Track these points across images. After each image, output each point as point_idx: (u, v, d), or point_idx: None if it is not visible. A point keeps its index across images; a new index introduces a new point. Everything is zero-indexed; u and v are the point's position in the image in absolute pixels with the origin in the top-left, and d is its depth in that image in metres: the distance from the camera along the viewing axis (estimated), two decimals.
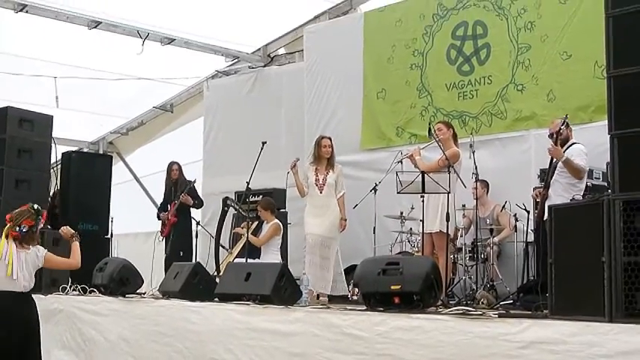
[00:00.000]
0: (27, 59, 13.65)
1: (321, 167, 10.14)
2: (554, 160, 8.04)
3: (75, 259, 7.73)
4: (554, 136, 8.20)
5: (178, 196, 12.28)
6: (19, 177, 11.48)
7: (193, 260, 11.40)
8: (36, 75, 13.82)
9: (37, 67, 13.82)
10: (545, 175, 8.20)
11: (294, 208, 11.03)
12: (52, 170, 12.51)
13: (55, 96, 13.86)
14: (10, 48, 13.13)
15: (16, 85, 13.82)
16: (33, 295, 7.50)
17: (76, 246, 7.76)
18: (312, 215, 10.09)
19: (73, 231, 7.90)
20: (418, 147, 9.71)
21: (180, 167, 12.72)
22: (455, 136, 9.48)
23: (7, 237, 7.06)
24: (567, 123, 8.14)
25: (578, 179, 8.00)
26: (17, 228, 7.08)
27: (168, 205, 12.52)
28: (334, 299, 9.69)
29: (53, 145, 12.21)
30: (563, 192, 7.85)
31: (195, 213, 12.80)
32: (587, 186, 8.14)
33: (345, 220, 10.17)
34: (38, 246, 7.35)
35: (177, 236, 12.25)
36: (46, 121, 12.11)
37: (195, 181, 12.57)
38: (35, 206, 7.25)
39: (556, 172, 8.02)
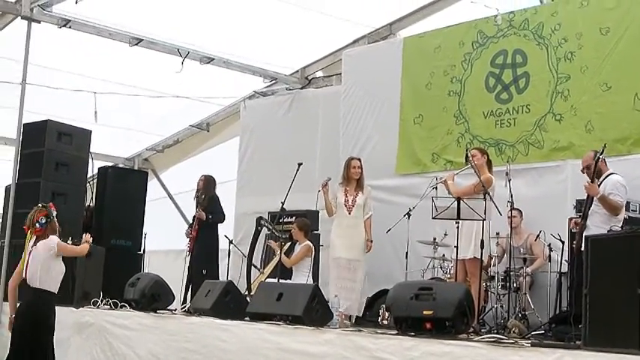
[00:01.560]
0: (68, 74, 13.80)
1: (350, 188, 10.17)
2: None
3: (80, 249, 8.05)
4: (584, 171, 8.20)
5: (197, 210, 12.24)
6: (56, 190, 11.63)
7: (219, 277, 11.40)
8: (76, 90, 13.95)
9: (77, 82, 13.95)
10: (583, 206, 8.13)
11: (327, 230, 11.01)
12: (87, 184, 12.63)
13: (94, 111, 13.98)
14: (52, 62, 13.28)
15: (57, 100, 13.96)
16: (64, 308, 7.68)
17: (76, 248, 8.11)
18: (339, 237, 10.09)
19: (87, 244, 8.21)
20: (452, 173, 9.68)
21: (206, 179, 12.43)
22: (489, 164, 9.45)
23: (30, 240, 7.28)
24: (599, 158, 8.06)
25: (614, 215, 7.93)
26: (37, 225, 7.23)
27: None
28: (363, 323, 9.67)
29: (90, 159, 12.33)
30: (602, 223, 7.78)
31: (229, 232, 12.79)
32: (624, 218, 8.06)
33: (371, 241, 10.17)
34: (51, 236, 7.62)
35: (198, 253, 12.06)
36: (85, 135, 12.27)
37: (203, 197, 12.22)
38: (39, 205, 7.53)
39: (594, 203, 7.95)
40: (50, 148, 11.78)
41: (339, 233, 10.08)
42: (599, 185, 8.01)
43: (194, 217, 12.28)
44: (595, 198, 7.93)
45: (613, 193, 7.94)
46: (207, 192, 12.24)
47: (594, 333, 5.71)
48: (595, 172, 7.97)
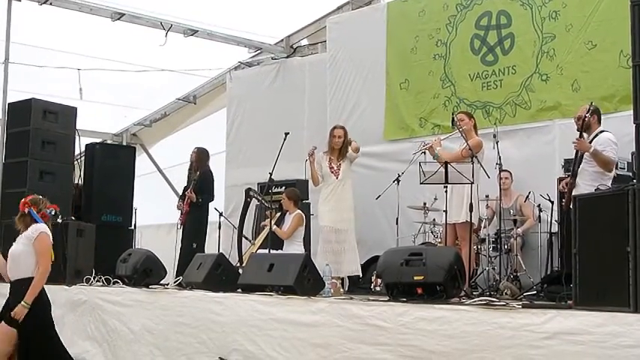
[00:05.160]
0: (51, 51, 13.73)
1: (334, 157, 10.09)
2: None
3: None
4: (580, 122, 8.11)
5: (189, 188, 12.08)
6: (44, 168, 11.58)
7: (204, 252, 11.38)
8: (60, 67, 13.87)
9: (60, 60, 13.88)
10: (572, 165, 8.09)
11: (317, 200, 11.02)
12: (75, 162, 12.57)
13: (79, 88, 13.90)
14: (34, 40, 13.21)
15: (41, 77, 13.89)
16: (57, 287, 7.54)
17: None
18: (324, 203, 9.99)
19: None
20: (438, 137, 9.64)
21: (199, 152, 12.14)
22: (475, 127, 9.41)
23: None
24: (593, 110, 8.01)
25: (607, 171, 7.89)
26: (47, 211, 7.11)
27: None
28: (356, 290, 9.69)
29: (77, 136, 12.27)
30: (592, 181, 7.70)
31: (219, 204, 12.73)
32: (613, 176, 8.03)
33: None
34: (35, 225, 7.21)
35: (189, 227, 11.98)
36: (70, 112, 12.20)
37: (195, 174, 11.96)
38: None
39: (584, 160, 7.90)
40: (36, 126, 11.70)
41: (325, 199, 9.96)
42: (590, 142, 7.95)
43: (184, 189, 12.20)
44: (586, 155, 7.88)
45: (605, 150, 7.89)
46: (200, 166, 12.03)
47: (585, 292, 5.72)
48: (583, 126, 7.92)
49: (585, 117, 7.85)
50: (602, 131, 8.09)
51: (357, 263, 10.00)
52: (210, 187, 12.22)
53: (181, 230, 11.96)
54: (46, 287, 7.21)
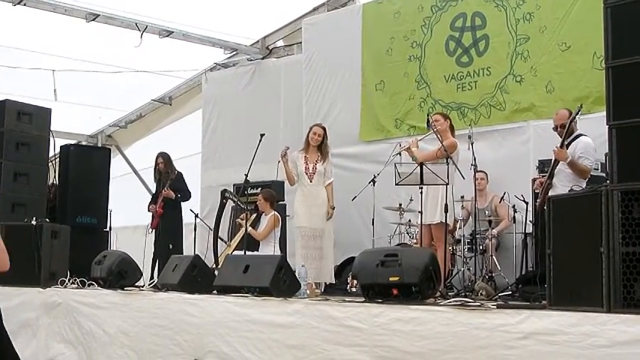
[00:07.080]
0: (25, 52, 13.63)
1: (310, 155, 10.04)
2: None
3: None
4: (558, 129, 8.15)
5: (162, 189, 12.18)
6: (18, 170, 11.48)
7: (183, 253, 11.37)
8: (34, 68, 13.78)
9: (35, 60, 13.78)
10: (550, 166, 8.13)
11: (293, 201, 11.02)
12: (50, 163, 12.49)
13: (54, 89, 13.81)
14: (8, 41, 13.11)
15: (14, 78, 13.78)
16: (31, 289, 7.45)
17: None
18: (301, 205, 9.98)
19: None
20: (415, 139, 9.65)
21: (166, 159, 12.39)
22: (452, 128, 9.42)
23: None
24: (574, 118, 8.03)
25: (583, 179, 7.93)
26: None
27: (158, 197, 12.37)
28: (332, 291, 9.68)
29: (51, 138, 12.18)
30: (569, 182, 7.76)
31: (194, 206, 12.72)
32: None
33: (333, 208, 10.01)
34: None
35: (164, 229, 12.08)
36: (44, 114, 12.10)
37: (173, 174, 12.24)
38: None
39: (560, 162, 7.96)
40: (10, 128, 11.58)
41: (301, 201, 9.97)
42: (568, 145, 8.00)
43: (154, 194, 12.23)
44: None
45: (583, 156, 7.92)
46: (171, 169, 12.22)
47: (559, 292, 5.74)
48: (567, 133, 7.96)
49: (569, 124, 7.87)
50: (580, 135, 8.14)
51: (332, 272, 10.03)
52: (186, 187, 12.45)
53: (154, 233, 11.97)
54: (20, 289, 7.13)
